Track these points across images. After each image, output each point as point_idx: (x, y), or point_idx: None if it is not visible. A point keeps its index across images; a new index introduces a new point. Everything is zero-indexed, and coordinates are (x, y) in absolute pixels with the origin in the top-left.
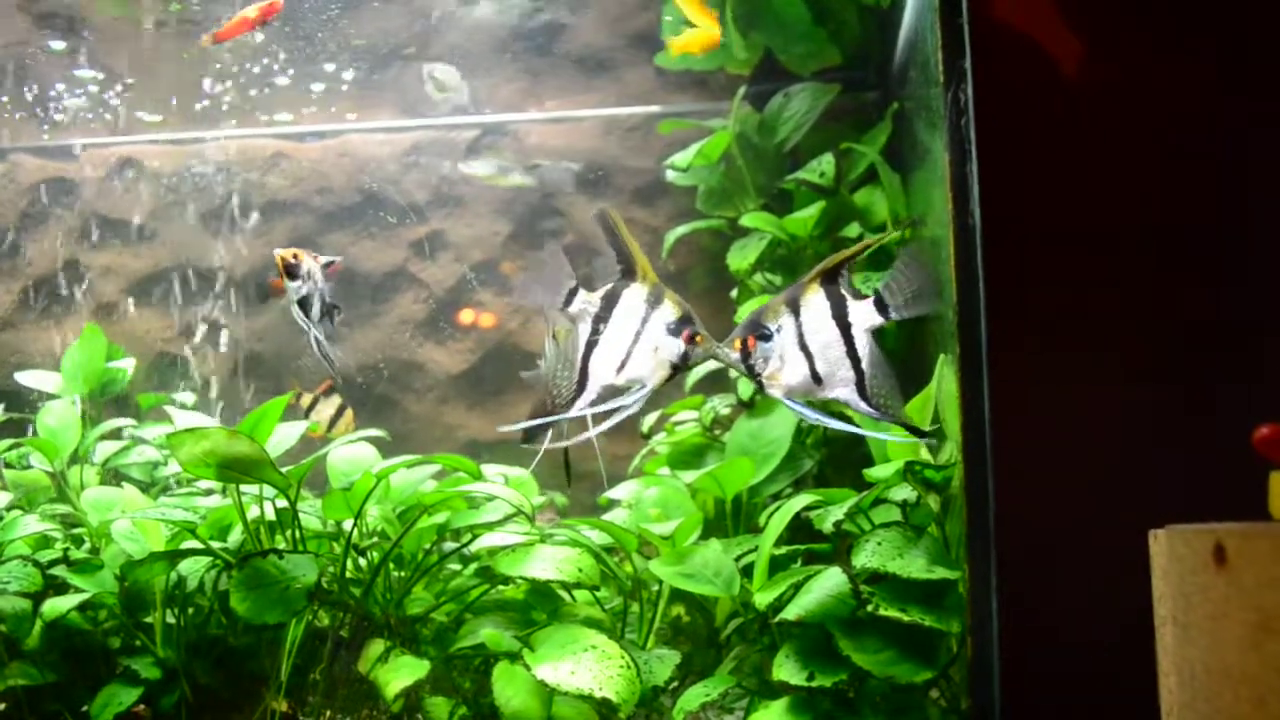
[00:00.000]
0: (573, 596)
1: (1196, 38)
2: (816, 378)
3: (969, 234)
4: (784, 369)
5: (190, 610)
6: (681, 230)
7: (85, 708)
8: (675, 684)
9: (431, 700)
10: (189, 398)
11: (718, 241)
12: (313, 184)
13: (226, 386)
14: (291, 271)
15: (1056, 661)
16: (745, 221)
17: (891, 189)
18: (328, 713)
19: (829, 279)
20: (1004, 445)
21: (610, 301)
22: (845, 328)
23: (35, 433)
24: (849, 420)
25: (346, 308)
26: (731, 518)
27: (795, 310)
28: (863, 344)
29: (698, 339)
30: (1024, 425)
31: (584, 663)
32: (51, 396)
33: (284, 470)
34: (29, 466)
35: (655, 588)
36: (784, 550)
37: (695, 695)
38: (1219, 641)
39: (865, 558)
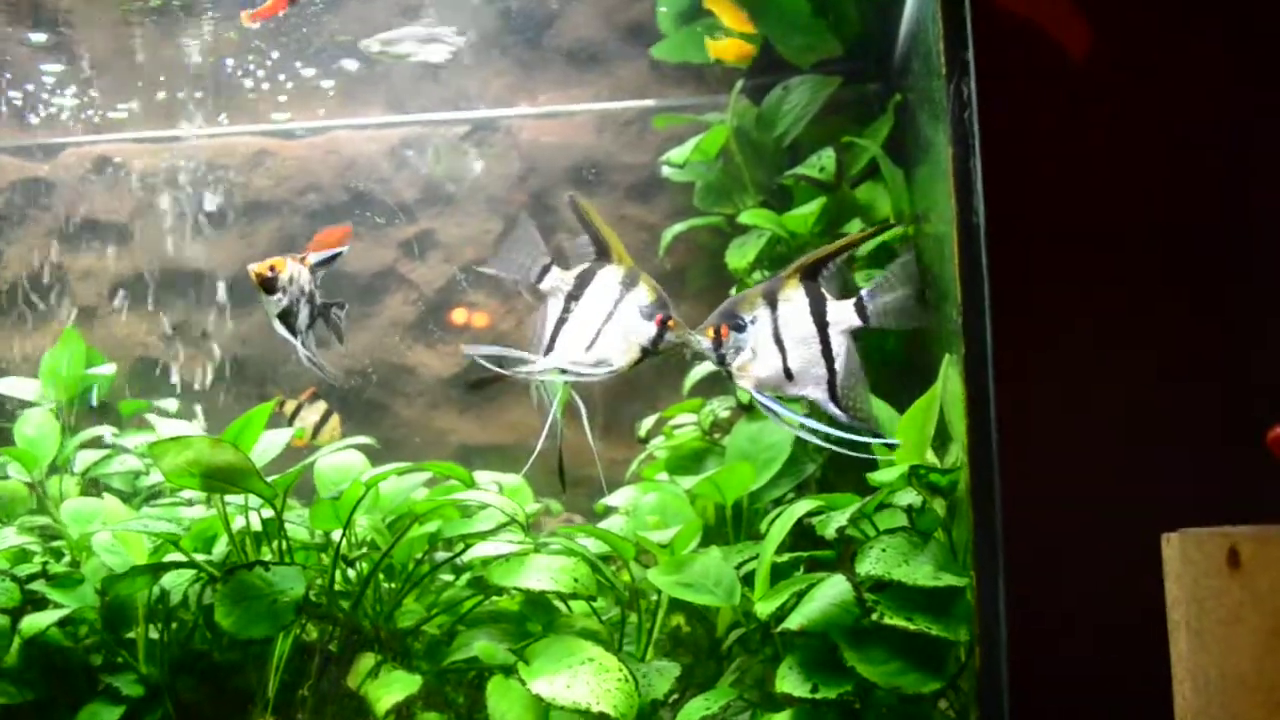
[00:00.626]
0: (569, 607)
1: (1206, 27)
2: (788, 374)
3: (973, 231)
4: (756, 361)
5: (174, 625)
6: (678, 228)
7: None
8: (675, 697)
9: (424, 716)
10: (171, 404)
11: (716, 239)
12: (299, 182)
13: (210, 392)
14: (268, 286)
15: (1067, 670)
16: (744, 219)
17: (894, 184)
18: None
19: (810, 275)
20: (1011, 447)
21: (584, 280)
22: (822, 326)
23: (13, 442)
24: (818, 429)
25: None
26: (732, 524)
27: (772, 303)
28: (838, 344)
29: (670, 324)
30: (1031, 427)
31: (581, 676)
32: (29, 404)
33: (270, 479)
34: (6, 477)
35: (654, 597)
36: (786, 558)
37: (696, 709)
38: (1233, 647)
39: (870, 565)
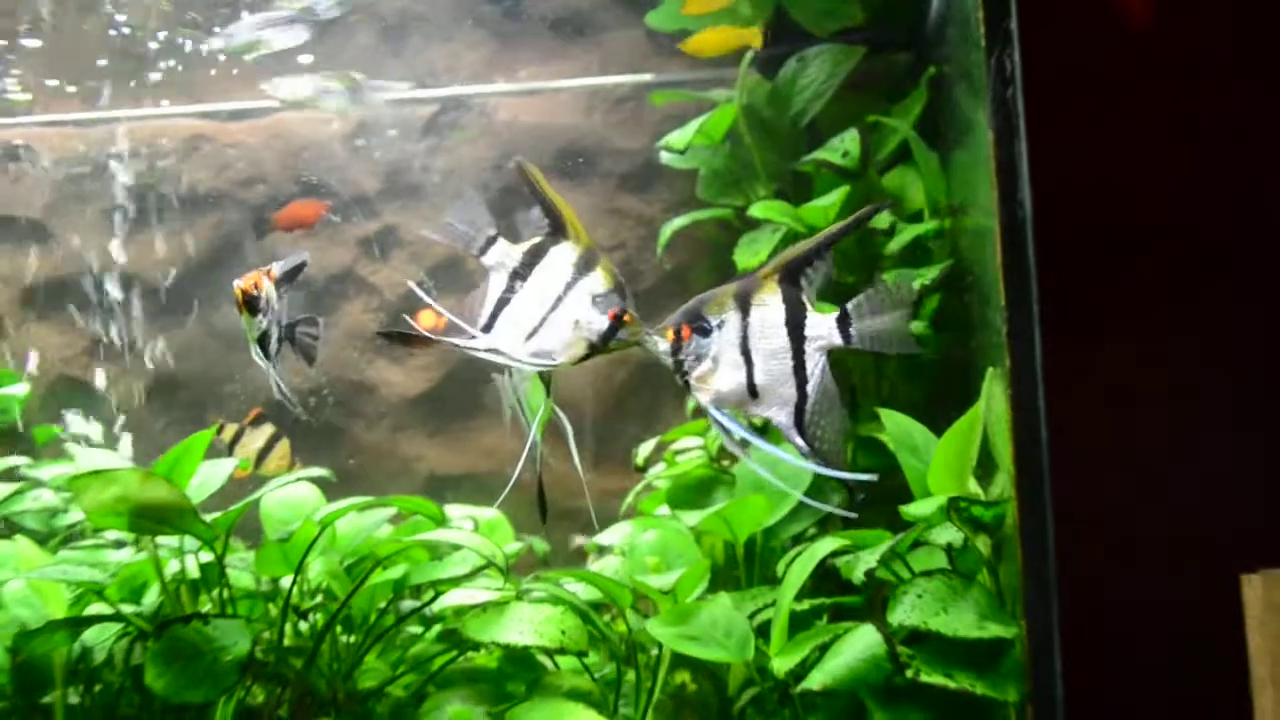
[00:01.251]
0: (556, 664)
1: None
2: (752, 390)
3: (1018, 225)
4: (717, 372)
5: (97, 688)
6: (680, 222)
7: None
8: None
9: None
10: (94, 430)
11: (723, 234)
12: (240, 172)
13: (139, 416)
14: (253, 305)
15: None
16: (755, 211)
17: (928, 170)
18: None
19: (790, 277)
20: (1065, 477)
21: (533, 258)
22: (798, 339)
23: None
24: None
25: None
26: (744, 566)
27: (744, 307)
28: (813, 363)
29: (626, 318)
30: (1088, 453)
31: None
32: None
33: (209, 518)
34: None
35: (654, 652)
36: (807, 605)
37: None
38: None
39: (904, 613)
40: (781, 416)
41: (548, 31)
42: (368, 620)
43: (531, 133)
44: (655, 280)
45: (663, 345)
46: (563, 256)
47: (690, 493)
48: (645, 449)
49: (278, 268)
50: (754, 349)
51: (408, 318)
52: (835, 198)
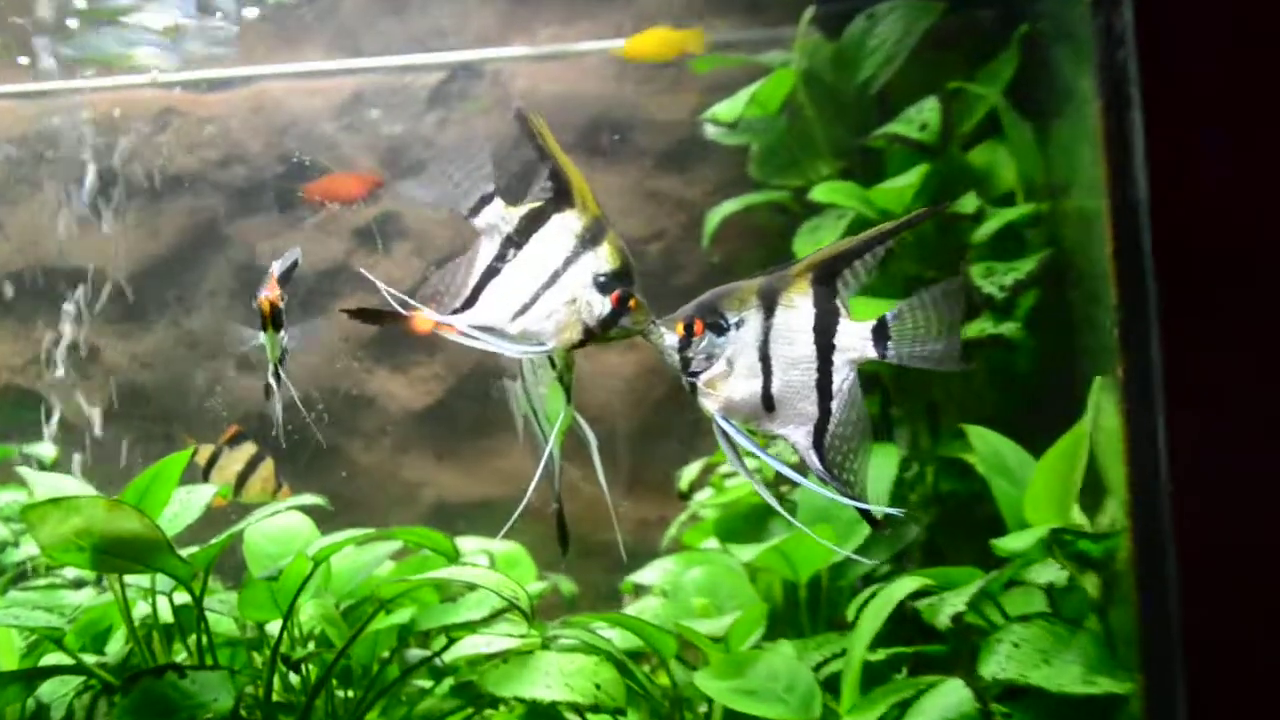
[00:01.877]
0: None
1: None
2: (768, 402)
3: (1132, 210)
4: (730, 377)
5: None
6: (729, 207)
7: None
8: None
9: None
10: (48, 450)
11: (779, 220)
12: (217, 150)
13: (101, 434)
14: (279, 320)
15: None
16: (817, 194)
17: (1021, 144)
18: None
19: (825, 278)
20: (1190, 503)
21: (532, 224)
22: (826, 349)
23: None
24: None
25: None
26: (807, 609)
27: (769, 306)
28: (841, 378)
29: (631, 303)
30: (1218, 475)
31: None
32: None
33: (185, 554)
34: None
35: (703, 709)
36: (883, 654)
37: None
38: None
39: (998, 664)
40: (798, 436)
41: None
42: (369, 672)
43: (554, 103)
44: (699, 275)
45: (670, 340)
46: (565, 226)
47: (743, 523)
48: (689, 472)
49: (276, 268)
50: (774, 355)
51: (393, 297)
52: (912, 178)
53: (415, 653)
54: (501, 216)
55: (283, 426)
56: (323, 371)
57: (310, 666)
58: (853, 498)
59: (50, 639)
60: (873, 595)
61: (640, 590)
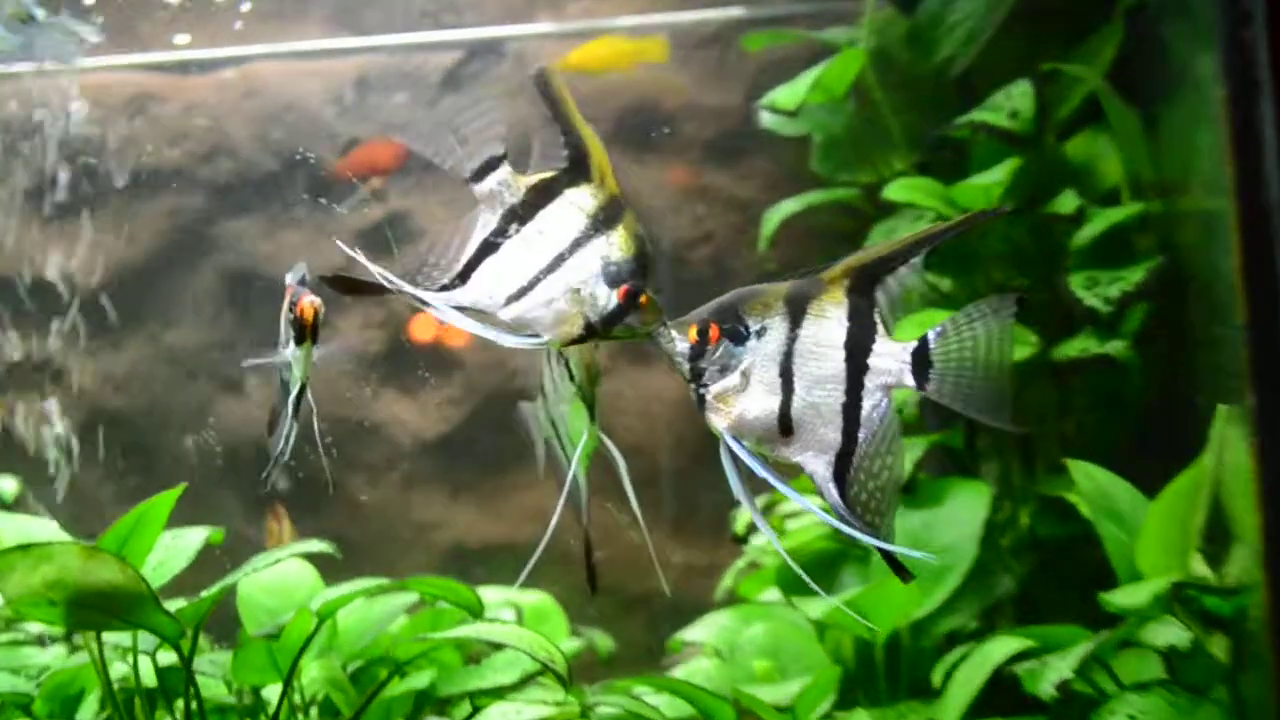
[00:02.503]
0: None
1: None
2: (785, 423)
3: (1264, 212)
4: (744, 392)
5: None
6: (790, 206)
7: None
8: None
9: None
10: (9, 486)
11: (847, 222)
12: (201, 141)
13: (71, 468)
14: (317, 331)
15: None
16: (890, 192)
17: (1126, 134)
18: None
19: (863, 287)
20: None
21: (540, 197)
22: (858, 369)
23: None
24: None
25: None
26: (885, 673)
27: (796, 315)
28: (871, 403)
29: (642, 300)
30: None
31: None
32: None
33: (172, 608)
34: None
35: None
36: None
37: None
38: None
39: None
40: (818, 465)
41: None
42: None
43: (586, 88)
44: (755, 283)
45: (681, 345)
46: (578, 202)
47: (810, 572)
48: (745, 513)
49: (290, 278)
50: (797, 371)
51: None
52: (1001, 173)
53: None
54: (507, 184)
55: (286, 459)
56: (322, 394)
57: None
58: (880, 537)
59: (15, 705)
60: (963, 658)
61: (689, 648)
